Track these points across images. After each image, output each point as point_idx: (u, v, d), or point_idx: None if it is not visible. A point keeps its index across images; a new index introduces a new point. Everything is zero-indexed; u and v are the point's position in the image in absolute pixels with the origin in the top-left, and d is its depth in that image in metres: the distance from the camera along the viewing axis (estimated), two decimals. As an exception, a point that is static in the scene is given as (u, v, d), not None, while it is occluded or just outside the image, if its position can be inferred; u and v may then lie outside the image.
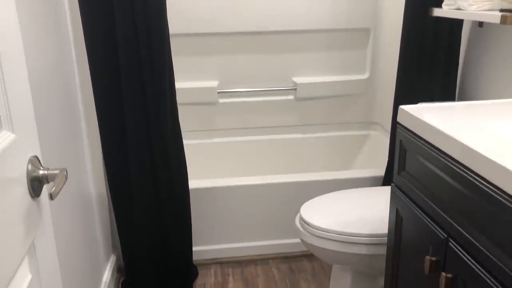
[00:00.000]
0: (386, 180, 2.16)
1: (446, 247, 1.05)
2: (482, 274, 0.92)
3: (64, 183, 0.82)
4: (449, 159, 1.04)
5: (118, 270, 2.15)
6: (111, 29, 1.70)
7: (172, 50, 2.52)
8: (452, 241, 1.03)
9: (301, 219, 1.67)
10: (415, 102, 1.99)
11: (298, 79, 2.66)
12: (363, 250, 1.58)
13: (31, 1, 1.30)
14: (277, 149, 2.76)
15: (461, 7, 1.59)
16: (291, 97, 2.69)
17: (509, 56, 1.66)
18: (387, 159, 2.58)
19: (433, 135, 1.10)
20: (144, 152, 1.82)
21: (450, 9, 1.65)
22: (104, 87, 1.76)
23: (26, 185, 0.77)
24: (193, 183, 2.13)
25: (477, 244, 0.94)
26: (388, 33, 2.54)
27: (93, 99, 1.78)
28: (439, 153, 1.08)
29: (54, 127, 1.41)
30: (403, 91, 2.01)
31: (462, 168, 0.99)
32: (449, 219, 1.04)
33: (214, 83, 2.60)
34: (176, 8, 2.45)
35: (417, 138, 1.18)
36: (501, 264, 0.87)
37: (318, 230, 1.60)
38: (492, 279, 0.90)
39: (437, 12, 1.71)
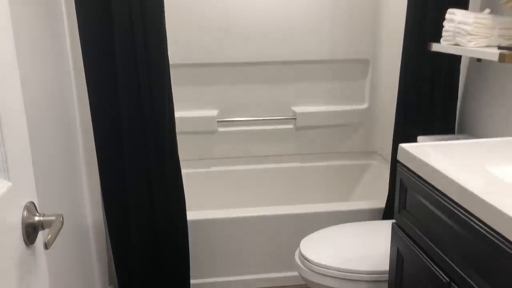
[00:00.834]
0: (386, 212, 2.14)
1: (448, 292, 1.03)
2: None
3: (60, 229, 0.81)
4: (448, 200, 1.03)
5: (115, 303, 2.11)
6: (111, 61, 1.71)
7: (172, 80, 2.53)
8: (455, 286, 1.01)
9: (301, 254, 1.65)
10: (415, 133, 1.99)
11: (298, 109, 2.67)
12: None
13: (31, 35, 1.30)
14: (277, 178, 2.74)
15: (459, 43, 1.60)
16: (290, 126, 2.70)
17: (507, 92, 1.66)
18: (387, 189, 2.57)
19: (432, 175, 1.09)
20: (142, 183, 1.82)
21: (449, 44, 1.66)
22: (104, 119, 1.76)
23: (21, 232, 0.76)
24: (191, 215, 2.12)
25: (480, 290, 0.92)
26: (387, 64, 2.56)
27: (93, 134, 1.78)
28: (438, 193, 1.07)
29: (52, 171, 1.41)
30: (403, 122, 2.01)
31: (461, 210, 0.98)
32: (450, 263, 1.02)
33: (214, 112, 2.61)
34: (177, 39, 2.48)
35: (417, 178, 1.17)
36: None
37: (317, 266, 1.58)
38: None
39: (435, 47, 1.73)
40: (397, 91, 2.24)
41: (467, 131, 1.95)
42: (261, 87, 2.63)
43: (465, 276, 0.96)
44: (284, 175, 2.74)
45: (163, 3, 1.69)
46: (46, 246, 0.74)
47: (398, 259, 1.29)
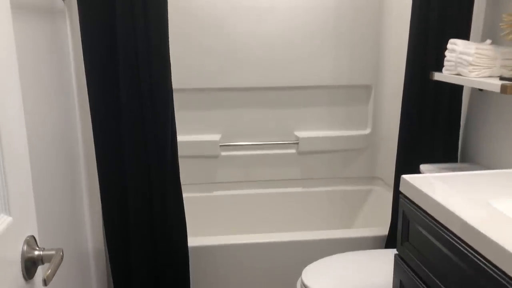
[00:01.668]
0: (389, 240, 2.12)
1: (452, 328, 1.01)
2: None
3: (60, 264, 0.81)
4: (450, 234, 1.02)
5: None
6: (115, 87, 1.73)
7: (175, 104, 2.55)
8: (458, 323, 0.99)
9: (303, 284, 1.63)
10: (417, 160, 1.98)
11: (300, 133, 2.67)
12: (366, 319, 1.53)
13: (36, 69, 1.32)
14: (279, 203, 2.73)
15: (461, 73, 1.61)
16: (293, 151, 2.70)
17: (510, 123, 1.66)
18: (389, 215, 2.55)
19: (434, 208, 1.08)
20: (143, 207, 1.81)
21: (451, 74, 1.67)
22: (106, 145, 1.76)
23: (20, 267, 0.75)
24: (192, 241, 2.10)
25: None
26: (389, 90, 2.57)
27: (95, 158, 1.79)
28: (440, 227, 1.06)
29: (53, 200, 1.40)
30: (405, 149, 2.01)
31: (463, 244, 0.97)
32: (453, 298, 1.01)
33: (216, 137, 2.62)
34: (180, 64, 2.50)
35: (419, 210, 1.16)
36: None
37: (319, 296, 1.56)
38: None
39: (437, 76, 1.73)
40: (399, 117, 2.25)
41: (470, 159, 1.94)
42: (264, 111, 2.64)
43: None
44: (287, 199, 2.73)
45: (167, 29, 1.71)
46: (46, 282, 0.74)
47: (401, 291, 1.28)
